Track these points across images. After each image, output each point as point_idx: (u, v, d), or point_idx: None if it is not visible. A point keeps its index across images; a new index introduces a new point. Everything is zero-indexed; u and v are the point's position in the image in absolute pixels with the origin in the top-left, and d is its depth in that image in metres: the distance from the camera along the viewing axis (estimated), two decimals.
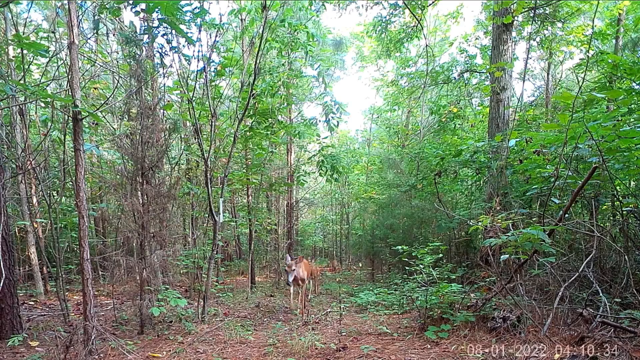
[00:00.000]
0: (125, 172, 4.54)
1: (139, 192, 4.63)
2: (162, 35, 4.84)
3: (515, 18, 7.27)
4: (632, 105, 4.26)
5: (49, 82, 6.14)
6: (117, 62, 6.68)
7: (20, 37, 3.83)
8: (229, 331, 4.61)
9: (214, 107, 5.60)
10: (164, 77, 6.12)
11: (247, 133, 7.72)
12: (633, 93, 4.17)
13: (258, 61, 5.57)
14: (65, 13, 3.83)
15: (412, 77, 11.70)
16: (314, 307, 6.63)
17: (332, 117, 7.88)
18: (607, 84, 5.53)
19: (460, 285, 4.78)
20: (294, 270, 5.62)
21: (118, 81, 5.78)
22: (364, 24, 11.28)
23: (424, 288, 4.57)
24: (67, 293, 5.81)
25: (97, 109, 4.20)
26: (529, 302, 3.94)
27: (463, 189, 8.44)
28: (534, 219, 4.92)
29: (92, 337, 3.52)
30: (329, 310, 6.16)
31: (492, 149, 6.49)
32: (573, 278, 3.72)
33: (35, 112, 6.65)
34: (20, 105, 5.48)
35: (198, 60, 5.30)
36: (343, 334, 4.42)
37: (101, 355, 3.61)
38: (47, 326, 4.60)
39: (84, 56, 6.16)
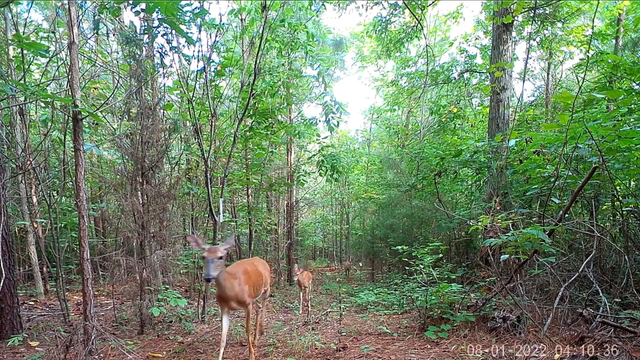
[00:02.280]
0: (125, 172, 4.54)
1: (139, 192, 4.63)
2: (162, 35, 4.84)
3: (515, 18, 7.27)
4: (632, 105, 4.26)
5: (49, 82, 6.13)
6: (117, 62, 6.68)
7: (20, 37, 3.83)
8: (228, 331, 4.60)
9: (214, 107, 5.60)
10: (164, 77, 6.11)
11: (247, 133, 7.72)
12: (633, 93, 4.17)
13: (258, 61, 5.57)
14: (65, 13, 3.83)
15: (412, 77, 11.71)
16: (314, 307, 6.63)
17: (332, 117, 7.88)
18: (607, 84, 5.53)
19: (460, 285, 4.78)
20: (221, 258, 3.07)
21: (118, 81, 5.78)
22: (364, 24, 11.29)
23: (424, 288, 4.58)
24: (67, 293, 5.81)
25: (97, 109, 4.20)
26: (529, 302, 3.94)
27: (463, 189, 8.45)
28: (534, 219, 4.92)
29: (92, 337, 3.52)
30: (329, 310, 6.16)
31: (492, 149, 6.49)
32: (573, 278, 3.72)
33: (35, 112, 6.65)
34: (20, 105, 5.48)
35: (198, 60, 5.30)
36: (343, 334, 4.42)
37: (101, 355, 3.61)
38: (47, 326, 4.60)
39: (84, 56, 6.15)
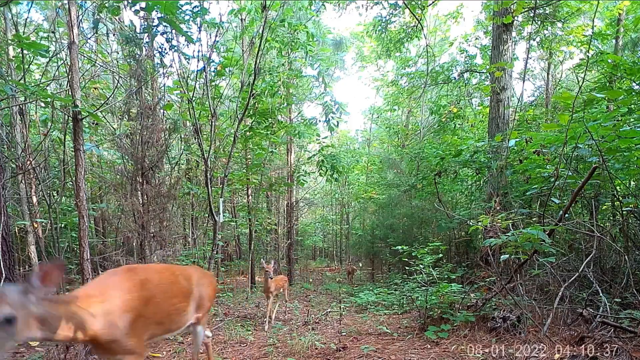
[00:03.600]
0: (125, 172, 4.54)
1: (139, 192, 4.63)
2: (162, 34, 4.85)
3: (515, 18, 7.27)
4: (632, 105, 4.26)
5: (49, 82, 6.13)
6: (117, 62, 6.67)
7: (20, 37, 3.83)
8: (229, 331, 4.61)
9: (214, 107, 5.60)
10: (164, 77, 6.12)
11: (247, 133, 7.72)
12: (633, 93, 4.17)
13: (258, 61, 5.57)
14: (65, 13, 3.83)
15: (412, 77, 11.71)
16: (314, 307, 6.63)
17: (332, 117, 7.89)
18: (607, 84, 5.53)
19: (460, 285, 4.78)
20: (10, 322, 1.55)
21: (118, 81, 5.78)
22: (364, 24, 11.29)
23: (424, 288, 4.58)
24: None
25: (97, 109, 4.20)
26: (529, 302, 3.94)
27: (463, 189, 8.44)
28: (534, 219, 4.92)
29: None
30: (329, 310, 6.16)
31: (492, 149, 6.49)
32: (573, 278, 3.72)
33: (35, 112, 6.64)
34: (20, 105, 5.48)
35: (198, 60, 5.31)
36: (343, 334, 4.42)
37: None
38: None
39: (84, 56, 6.15)
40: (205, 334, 2.87)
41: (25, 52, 4.96)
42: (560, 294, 3.58)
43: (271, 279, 4.96)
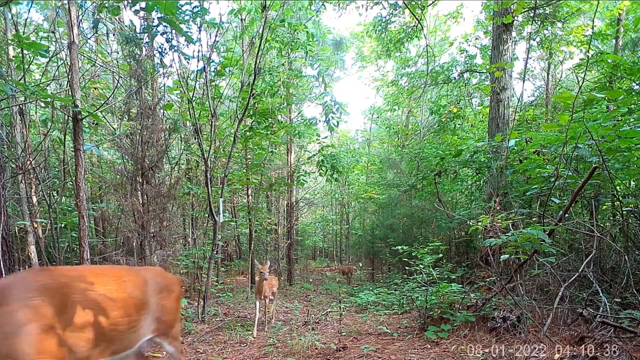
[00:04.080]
0: (125, 172, 4.54)
1: (139, 192, 4.63)
2: (162, 34, 4.85)
3: (515, 18, 7.26)
4: (632, 105, 4.26)
5: (49, 82, 6.13)
6: (117, 62, 6.67)
7: (20, 37, 3.83)
8: (229, 331, 4.61)
9: (214, 107, 5.60)
10: (164, 77, 6.12)
11: (247, 133, 7.72)
12: (633, 93, 4.17)
13: (258, 61, 5.57)
14: (65, 13, 3.83)
15: (412, 77, 11.71)
16: (314, 307, 6.63)
17: (332, 117, 7.88)
18: (607, 84, 5.53)
19: (460, 285, 4.78)
20: None
21: (118, 81, 5.78)
22: (364, 24, 11.29)
23: (424, 288, 4.58)
24: None
25: (97, 109, 4.20)
26: (529, 302, 3.94)
27: (463, 189, 8.45)
28: (534, 219, 4.92)
29: None
30: (329, 310, 6.16)
31: (492, 149, 6.49)
32: (573, 278, 3.72)
33: (35, 112, 6.64)
34: (20, 105, 5.48)
35: (198, 60, 5.31)
36: (343, 334, 4.42)
37: None
38: None
39: (84, 56, 6.15)
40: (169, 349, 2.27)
41: (25, 52, 4.96)
42: (560, 294, 3.58)
43: (266, 280, 4.79)
